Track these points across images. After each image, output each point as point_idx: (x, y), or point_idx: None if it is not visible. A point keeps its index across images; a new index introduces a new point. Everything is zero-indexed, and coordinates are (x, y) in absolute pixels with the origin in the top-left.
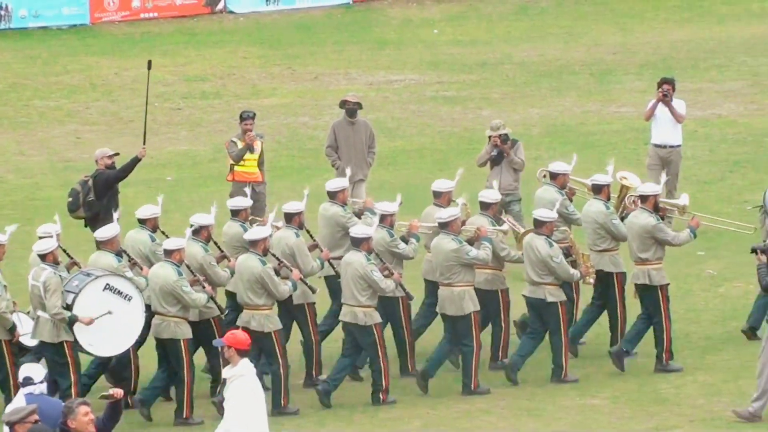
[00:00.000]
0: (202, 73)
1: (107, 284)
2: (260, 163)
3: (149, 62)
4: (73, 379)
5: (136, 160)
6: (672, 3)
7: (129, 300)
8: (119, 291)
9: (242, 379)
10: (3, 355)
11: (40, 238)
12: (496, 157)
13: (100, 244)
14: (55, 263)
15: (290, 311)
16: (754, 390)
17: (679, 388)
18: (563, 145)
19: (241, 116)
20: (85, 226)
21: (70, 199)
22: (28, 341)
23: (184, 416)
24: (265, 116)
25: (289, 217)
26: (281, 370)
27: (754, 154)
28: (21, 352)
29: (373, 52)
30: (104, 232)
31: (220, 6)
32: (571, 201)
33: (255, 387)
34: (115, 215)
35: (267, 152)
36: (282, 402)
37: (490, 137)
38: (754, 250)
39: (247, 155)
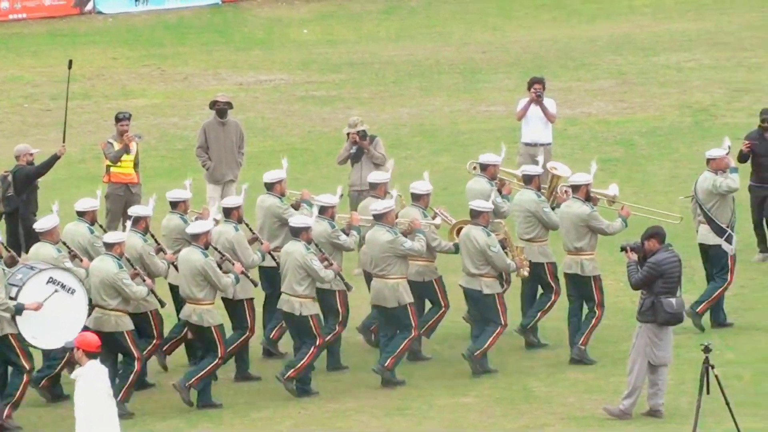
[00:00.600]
0: (71, 73)
1: (51, 277)
2: (135, 164)
3: (70, 61)
4: (27, 367)
5: (55, 158)
6: (540, 2)
7: (72, 293)
8: (62, 284)
9: (88, 381)
10: None
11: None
12: (356, 153)
13: (41, 235)
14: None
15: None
16: (624, 387)
17: (551, 386)
18: (433, 145)
19: (116, 117)
20: (0, 219)
21: None
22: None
23: (119, 399)
24: (135, 117)
25: (228, 212)
26: (218, 361)
27: (624, 153)
28: None
29: (242, 52)
30: (44, 223)
31: (89, 7)
32: (500, 192)
33: (101, 387)
34: (55, 207)
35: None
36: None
37: (348, 134)
38: (623, 249)
39: (124, 156)
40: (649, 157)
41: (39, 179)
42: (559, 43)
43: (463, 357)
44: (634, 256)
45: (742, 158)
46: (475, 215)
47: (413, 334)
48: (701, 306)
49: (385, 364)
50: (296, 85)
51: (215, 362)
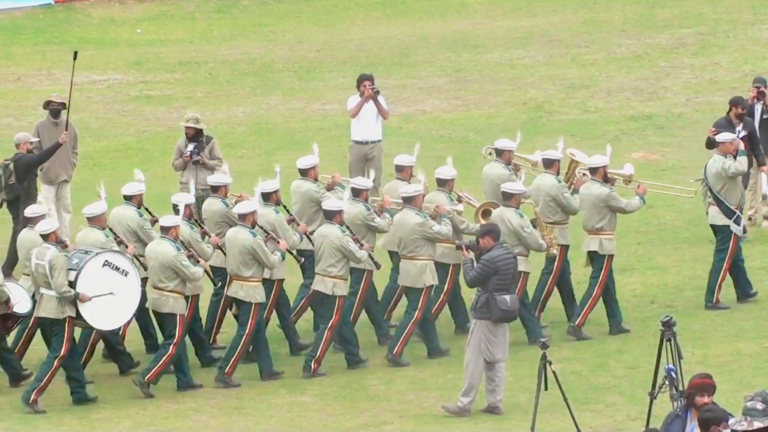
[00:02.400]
0: None
1: (106, 260)
2: None
3: (75, 53)
4: (63, 352)
5: (57, 146)
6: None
7: (126, 275)
8: (117, 267)
9: None
10: None
11: (28, 218)
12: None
13: (89, 221)
14: (57, 242)
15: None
16: (462, 384)
17: (389, 384)
18: (269, 143)
19: None
20: (1, 206)
21: None
22: (20, 309)
23: (147, 379)
24: None
25: (267, 196)
26: (246, 338)
27: (459, 150)
28: (11, 321)
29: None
30: (93, 209)
31: None
32: (516, 176)
33: None
34: (102, 194)
35: None
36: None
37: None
38: (459, 247)
39: None
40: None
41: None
42: (393, 40)
43: None
44: (471, 254)
45: (708, 144)
46: (507, 197)
47: (416, 318)
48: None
49: (394, 352)
50: (130, 85)
51: (243, 340)
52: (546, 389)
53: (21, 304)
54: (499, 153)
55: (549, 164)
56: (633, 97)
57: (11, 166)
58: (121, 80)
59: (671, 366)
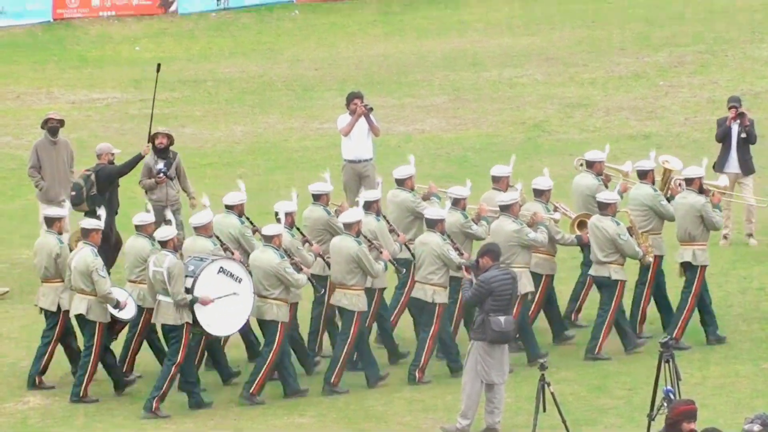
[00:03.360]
0: None
1: (221, 267)
2: None
3: (158, 65)
4: (180, 358)
5: (138, 157)
6: (372, 18)
7: (240, 282)
8: (231, 273)
9: None
10: (93, 336)
11: (137, 227)
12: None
13: (196, 230)
14: (175, 249)
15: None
16: (460, 405)
17: (387, 405)
18: (267, 162)
19: None
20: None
21: (74, 193)
22: (126, 315)
23: (251, 392)
24: None
25: (368, 205)
26: (348, 347)
27: (458, 168)
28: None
29: (74, 70)
30: (200, 218)
31: None
32: (606, 187)
33: None
34: (206, 202)
35: None
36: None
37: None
38: (459, 267)
39: None
40: (483, 173)
41: (120, 178)
42: (391, 59)
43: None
44: (470, 275)
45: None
46: (603, 206)
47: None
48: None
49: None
50: (129, 103)
51: (346, 348)
52: (545, 411)
53: (128, 309)
54: (590, 164)
55: (643, 174)
56: (631, 116)
57: (93, 176)
58: (119, 98)
59: (670, 388)
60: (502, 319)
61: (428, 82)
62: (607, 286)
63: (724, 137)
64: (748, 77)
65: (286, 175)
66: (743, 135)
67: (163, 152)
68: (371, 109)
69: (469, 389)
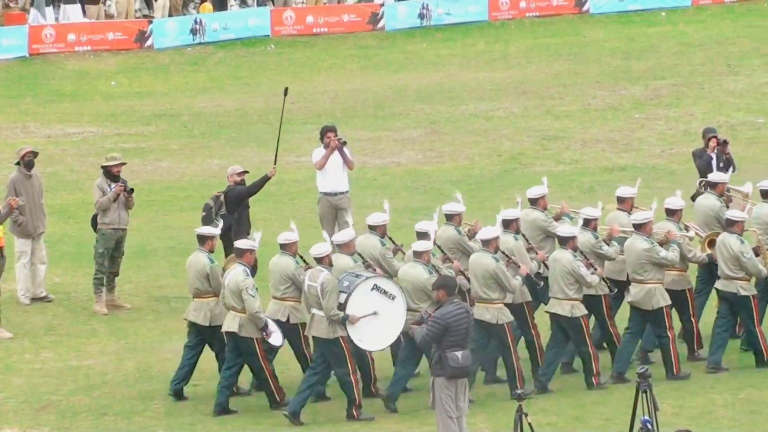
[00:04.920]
0: None
1: (375, 285)
2: None
3: (286, 89)
4: (350, 368)
5: (266, 179)
6: (348, 52)
7: (393, 299)
8: (385, 291)
9: None
10: (255, 353)
11: (282, 245)
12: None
13: (339, 248)
14: (330, 265)
15: None
16: None
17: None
18: None
19: None
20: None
21: (204, 213)
22: (275, 341)
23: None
24: None
25: (507, 223)
26: (514, 359)
27: (434, 201)
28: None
29: (50, 104)
30: (342, 236)
31: None
32: (728, 207)
33: None
34: (350, 220)
35: None
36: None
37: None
38: (420, 320)
39: None
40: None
41: (250, 198)
42: (368, 92)
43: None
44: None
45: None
46: (730, 224)
47: (669, 337)
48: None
49: (674, 374)
50: (105, 137)
51: (513, 357)
52: None
53: (275, 335)
54: (713, 186)
55: (765, 194)
56: (608, 149)
57: (222, 197)
58: (95, 132)
59: (647, 418)
60: (459, 354)
61: (405, 115)
62: (737, 303)
63: (706, 168)
64: (724, 109)
65: (263, 208)
66: (722, 164)
67: (116, 178)
68: (345, 142)
69: (441, 424)
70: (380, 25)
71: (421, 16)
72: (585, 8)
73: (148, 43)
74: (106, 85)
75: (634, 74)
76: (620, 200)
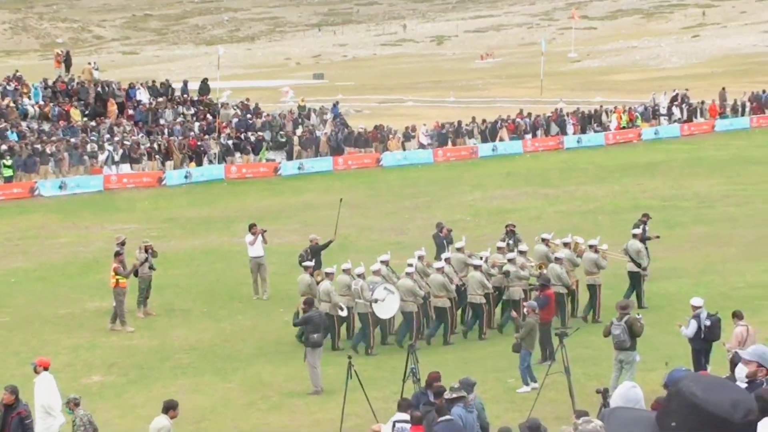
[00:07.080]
0: None
1: (385, 287)
2: None
3: (341, 199)
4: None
5: (329, 242)
6: None
7: (393, 293)
8: (389, 290)
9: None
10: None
11: (327, 273)
12: None
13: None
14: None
15: None
16: None
17: None
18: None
19: None
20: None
21: (300, 258)
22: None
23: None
24: None
25: None
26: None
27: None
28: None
29: None
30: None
31: None
32: None
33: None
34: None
35: None
36: None
37: None
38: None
39: None
40: None
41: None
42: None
43: None
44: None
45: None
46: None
47: None
48: None
49: None
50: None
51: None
52: None
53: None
54: None
55: None
56: None
57: (309, 249)
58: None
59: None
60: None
61: None
62: None
63: None
64: None
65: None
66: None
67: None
68: (264, 231)
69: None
70: None
71: None
72: None
73: None
74: None
75: None
76: None
